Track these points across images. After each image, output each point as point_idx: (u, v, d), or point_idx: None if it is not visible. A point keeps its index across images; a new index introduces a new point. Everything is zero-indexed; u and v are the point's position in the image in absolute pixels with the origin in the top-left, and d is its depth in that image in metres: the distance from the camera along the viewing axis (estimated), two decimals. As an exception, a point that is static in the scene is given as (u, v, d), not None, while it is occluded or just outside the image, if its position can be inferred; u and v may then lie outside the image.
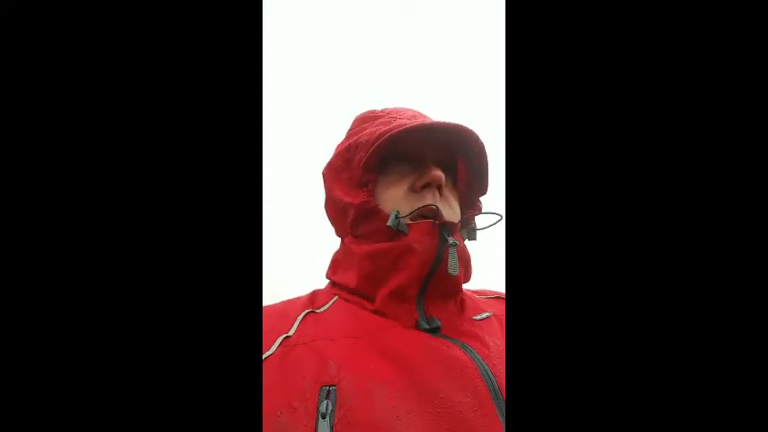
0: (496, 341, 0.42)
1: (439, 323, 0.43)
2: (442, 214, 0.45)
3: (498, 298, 0.55)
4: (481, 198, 0.54)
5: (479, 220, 0.53)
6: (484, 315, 0.47)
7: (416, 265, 0.43)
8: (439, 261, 0.43)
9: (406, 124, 0.45)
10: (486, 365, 0.37)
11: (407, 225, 0.44)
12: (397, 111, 0.53)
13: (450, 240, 0.42)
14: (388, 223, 0.43)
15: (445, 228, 0.44)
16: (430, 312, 0.44)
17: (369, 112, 0.54)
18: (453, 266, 0.42)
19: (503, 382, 0.36)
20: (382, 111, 0.53)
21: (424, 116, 0.53)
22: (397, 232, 0.44)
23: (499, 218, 0.47)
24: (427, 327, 0.42)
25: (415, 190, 0.46)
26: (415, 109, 0.55)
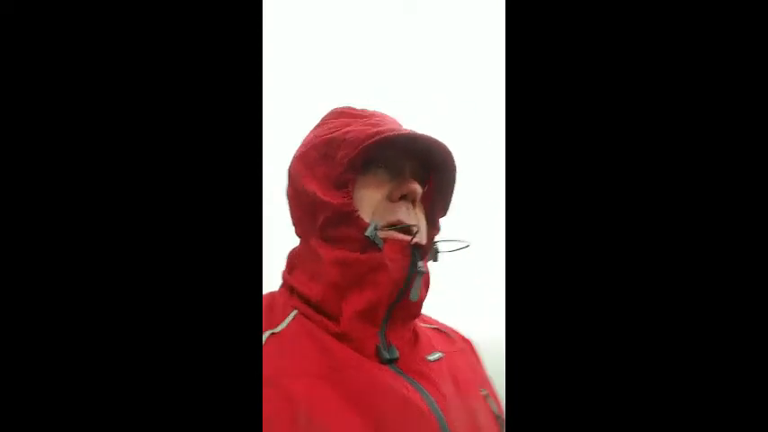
0: (450, 387, 0.43)
1: (397, 353, 0.43)
2: (419, 234, 0.44)
3: (437, 330, 0.54)
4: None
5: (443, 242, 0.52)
6: (436, 356, 0.47)
7: (387, 284, 0.42)
8: (408, 284, 0.43)
9: (395, 130, 0.44)
10: (442, 416, 0.39)
11: (383, 240, 0.43)
12: (382, 116, 0.51)
13: (420, 266, 0.43)
14: (367, 233, 0.42)
15: (418, 250, 0.44)
16: (389, 338, 0.44)
17: (347, 108, 0.52)
18: (415, 293, 0.43)
19: None
20: (363, 111, 0.52)
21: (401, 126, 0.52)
22: (371, 244, 0.42)
23: (466, 246, 0.47)
24: (387, 357, 0.42)
25: (391, 199, 0.45)
26: (393, 117, 0.54)
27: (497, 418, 0.48)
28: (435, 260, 0.50)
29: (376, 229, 0.43)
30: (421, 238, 0.46)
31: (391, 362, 0.42)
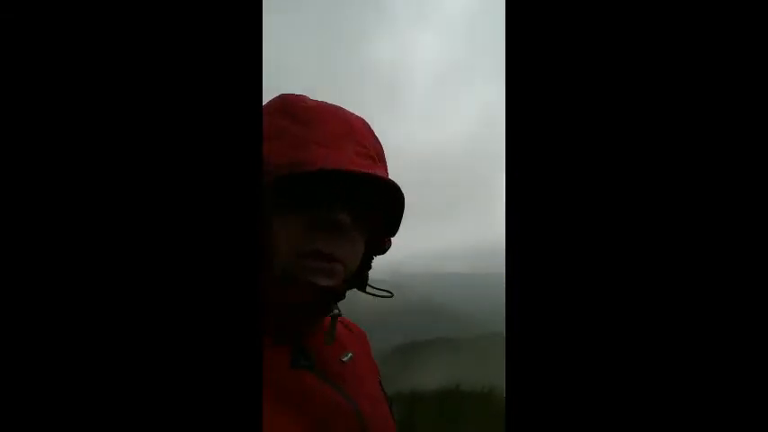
0: (360, 383, 0.47)
1: (314, 358, 0.44)
2: (347, 263, 0.43)
3: (341, 323, 0.54)
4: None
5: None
6: (348, 356, 0.49)
7: (296, 321, 0.44)
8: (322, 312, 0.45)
9: (321, 159, 0.39)
10: (361, 412, 0.43)
11: (293, 277, 0.40)
12: (323, 121, 0.44)
13: (335, 311, 0.46)
14: (277, 273, 0.40)
15: (327, 294, 0.42)
16: (304, 344, 0.45)
17: (291, 101, 0.45)
18: (329, 338, 0.46)
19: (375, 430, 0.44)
20: (306, 109, 0.44)
21: (352, 122, 0.46)
22: (284, 278, 0.41)
23: (390, 295, 0.49)
24: (304, 363, 0.43)
25: (313, 228, 0.41)
26: (345, 110, 0.47)
27: (389, 399, 0.52)
28: (362, 290, 0.49)
29: (284, 271, 0.40)
30: (349, 259, 0.43)
31: (309, 367, 0.44)
